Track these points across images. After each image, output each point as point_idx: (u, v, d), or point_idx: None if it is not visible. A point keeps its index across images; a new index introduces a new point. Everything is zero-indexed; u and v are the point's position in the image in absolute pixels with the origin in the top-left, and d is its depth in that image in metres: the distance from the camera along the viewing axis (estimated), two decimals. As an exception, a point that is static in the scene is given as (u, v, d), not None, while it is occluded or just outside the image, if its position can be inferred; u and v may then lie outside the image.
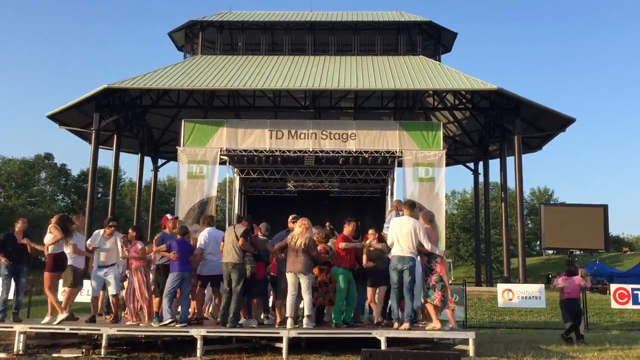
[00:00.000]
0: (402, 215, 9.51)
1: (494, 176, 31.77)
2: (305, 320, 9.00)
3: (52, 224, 10.18)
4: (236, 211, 26.35)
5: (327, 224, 27.93)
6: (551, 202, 63.27)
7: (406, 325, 8.74)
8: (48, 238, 10.09)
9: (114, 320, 10.35)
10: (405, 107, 27.80)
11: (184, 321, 9.26)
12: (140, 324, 9.74)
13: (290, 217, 10.80)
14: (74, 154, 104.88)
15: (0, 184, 53.78)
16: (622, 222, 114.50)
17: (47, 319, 9.99)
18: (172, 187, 51.12)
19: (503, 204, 26.82)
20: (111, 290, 10.47)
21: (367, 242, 10.21)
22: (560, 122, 25.33)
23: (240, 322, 9.46)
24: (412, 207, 9.62)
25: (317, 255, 9.49)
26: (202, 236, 10.16)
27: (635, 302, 16.12)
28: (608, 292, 21.29)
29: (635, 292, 16.18)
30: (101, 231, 10.69)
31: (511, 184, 27.48)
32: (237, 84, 24.00)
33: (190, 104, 27.07)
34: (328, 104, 27.05)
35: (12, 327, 8.81)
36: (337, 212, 28.36)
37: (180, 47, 30.20)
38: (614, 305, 16.39)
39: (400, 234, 9.01)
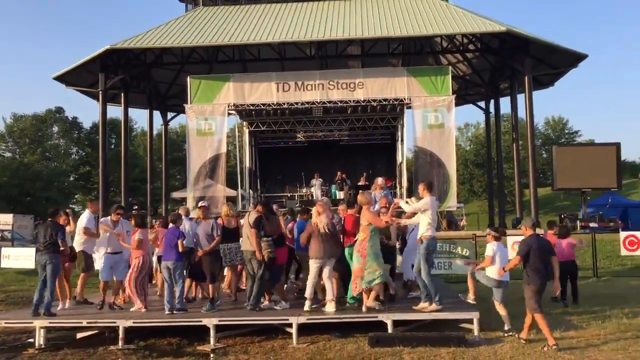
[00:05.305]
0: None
1: (506, 111, 31.51)
2: (328, 305, 9.17)
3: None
4: (247, 164, 26.44)
5: (339, 173, 27.81)
6: (566, 131, 62.82)
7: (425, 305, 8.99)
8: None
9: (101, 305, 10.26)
10: (413, 52, 27.21)
11: (170, 310, 9.43)
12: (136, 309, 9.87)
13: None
14: (85, 106, 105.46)
15: (14, 140, 54.25)
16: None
17: (62, 305, 10.43)
18: (184, 134, 51.18)
19: (515, 144, 26.63)
20: (117, 276, 10.56)
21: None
22: (572, 59, 24.86)
23: (262, 305, 9.71)
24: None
25: (338, 234, 9.61)
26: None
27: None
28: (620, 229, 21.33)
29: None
30: (109, 218, 10.85)
31: (523, 118, 27.16)
32: (240, 38, 23.57)
33: (194, 58, 26.75)
34: (334, 52, 26.59)
35: (31, 323, 9.08)
36: (348, 160, 28.52)
37: (181, -3, 29.55)
38: (624, 252, 16.38)
39: None
